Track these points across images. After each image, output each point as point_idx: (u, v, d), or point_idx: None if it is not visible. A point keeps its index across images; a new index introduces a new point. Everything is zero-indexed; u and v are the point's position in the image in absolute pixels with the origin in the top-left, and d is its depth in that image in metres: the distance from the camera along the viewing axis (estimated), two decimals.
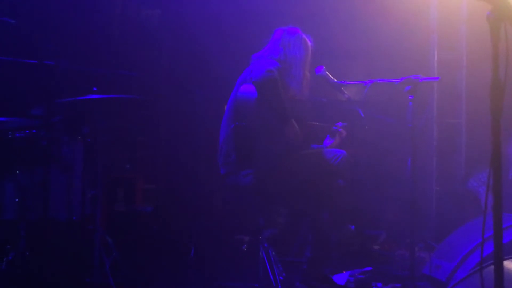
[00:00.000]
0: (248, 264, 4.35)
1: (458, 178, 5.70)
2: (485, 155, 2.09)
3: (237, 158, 3.81)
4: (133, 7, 6.02)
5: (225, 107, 4.04)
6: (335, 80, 4.11)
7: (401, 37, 5.69)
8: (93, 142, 4.21)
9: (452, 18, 5.82)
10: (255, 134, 3.78)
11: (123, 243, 4.41)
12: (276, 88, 3.73)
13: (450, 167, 5.82)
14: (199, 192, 5.49)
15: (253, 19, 5.57)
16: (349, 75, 4.33)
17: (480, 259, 2.27)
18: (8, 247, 3.83)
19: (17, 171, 3.97)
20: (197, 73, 5.80)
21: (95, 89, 4.01)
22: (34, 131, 4.05)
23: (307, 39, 4.03)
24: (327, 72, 4.11)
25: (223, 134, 3.94)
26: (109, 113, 4.20)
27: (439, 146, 5.85)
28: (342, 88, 4.10)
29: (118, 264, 4.12)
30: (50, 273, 3.85)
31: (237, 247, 4.87)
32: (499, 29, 2.04)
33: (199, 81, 5.81)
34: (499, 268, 2.04)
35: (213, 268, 4.66)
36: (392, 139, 5.35)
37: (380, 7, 5.60)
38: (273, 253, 4.05)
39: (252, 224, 4.17)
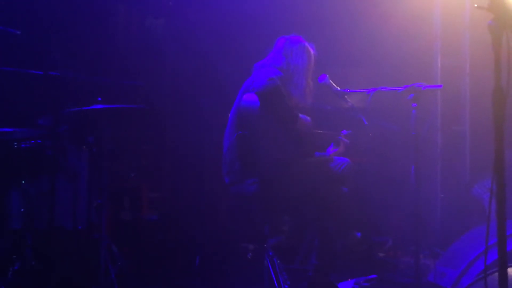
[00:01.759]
0: (253, 272, 4.35)
1: (462, 185, 5.69)
2: (490, 161, 2.10)
3: (241, 167, 3.82)
4: (137, 16, 6.05)
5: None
6: (338, 88, 4.13)
7: (405, 45, 5.70)
8: (99, 151, 4.23)
9: (455, 26, 5.83)
10: (259, 143, 3.78)
11: (128, 252, 4.43)
12: (280, 94, 3.75)
13: (455, 174, 5.81)
14: (204, 200, 5.50)
15: (256, 27, 5.59)
16: (352, 83, 4.35)
17: (484, 267, 2.27)
18: (14, 256, 3.84)
19: (23, 181, 3.98)
20: (201, 82, 5.82)
21: (100, 99, 4.04)
22: (40, 141, 4.07)
23: (310, 48, 4.04)
24: (330, 81, 4.13)
25: (226, 143, 3.96)
26: (114, 122, 4.21)
27: (443, 153, 5.85)
28: (346, 96, 4.12)
29: (123, 272, 4.13)
30: (56, 282, 3.86)
31: (242, 255, 4.88)
32: (501, 38, 2.06)
33: (203, 89, 5.83)
34: (503, 275, 2.04)
35: (219, 276, 4.66)
36: (396, 147, 5.35)
37: (383, 14, 5.61)
38: (278, 261, 4.05)
39: (257, 232, 4.18)
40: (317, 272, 3.93)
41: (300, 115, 3.87)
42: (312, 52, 4.05)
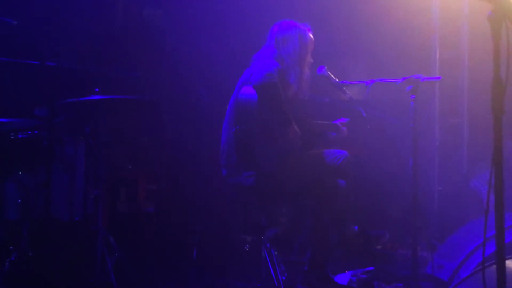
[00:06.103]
0: (250, 264, 4.34)
1: (460, 178, 5.69)
2: (488, 154, 2.08)
3: (238, 160, 3.81)
4: (135, 7, 6.02)
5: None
6: (337, 80, 4.11)
7: (403, 37, 5.69)
8: (95, 142, 4.21)
9: (454, 18, 5.82)
10: (256, 138, 3.76)
11: (125, 243, 4.41)
12: (276, 92, 3.71)
13: (452, 166, 5.81)
14: (201, 192, 5.49)
15: (255, 18, 5.57)
16: (350, 75, 4.34)
17: (482, 259, 2.27)
18: (11, 248, 3.83)
19: (20, 172, 3.97)
20: (200, 73, 5.80)
21: (97, 90, 4.02)
22: (36, 132, 4.06)
23: (302, 32, 4.00)
24: (328, 72, 4.11)
25: (224, 136, 3.94)
26: (111, 113, 4.20)
27: (441, 145, 5.85)
28: (344, 88, 4.11)
29: (120, 264, 4.12)
30: (53, 273, 3.85)
31: (239, 247, 4.87)
32: (500, 29, 2.05)
33: (202, 81, 5.81)
34: (501, 267, 2.04)
35: (215, 268, 4.66)
36: (394, 139, 5.35)
37: (382, 6, 5.59)
38: (275, 253, 4.05)
39: (255, 224, 4.17)
40: (312, 265, 3.93)
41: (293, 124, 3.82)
42: (305, 37, 4.00)
